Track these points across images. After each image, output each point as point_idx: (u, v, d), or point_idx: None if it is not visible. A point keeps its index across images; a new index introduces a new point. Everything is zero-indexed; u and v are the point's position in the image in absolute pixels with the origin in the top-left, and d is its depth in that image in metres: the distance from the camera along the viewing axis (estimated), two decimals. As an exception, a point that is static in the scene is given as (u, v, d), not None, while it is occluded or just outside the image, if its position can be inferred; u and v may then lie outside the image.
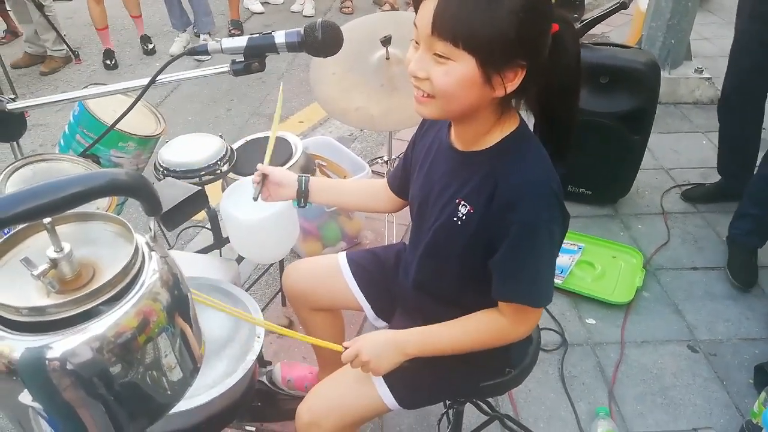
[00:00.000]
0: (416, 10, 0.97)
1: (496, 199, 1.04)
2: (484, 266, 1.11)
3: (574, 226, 2.60)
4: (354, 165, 2.40)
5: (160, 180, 1.63)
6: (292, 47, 1.12)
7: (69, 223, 0.72)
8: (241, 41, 1.12)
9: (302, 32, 1.11)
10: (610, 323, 2.17)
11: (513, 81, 0.96)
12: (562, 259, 2.38)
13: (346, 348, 1.17)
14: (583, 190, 2.72)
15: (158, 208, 0.67)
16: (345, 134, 3.41)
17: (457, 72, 0.94)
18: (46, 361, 0.61)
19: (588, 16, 2.50)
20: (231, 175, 1.79)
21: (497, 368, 1.33)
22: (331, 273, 1.48)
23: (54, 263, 0.65)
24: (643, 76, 2.44)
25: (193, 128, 1.81)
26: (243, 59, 1.13)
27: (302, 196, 1.39)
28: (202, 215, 1.90)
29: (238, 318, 1.31)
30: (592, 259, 2.41)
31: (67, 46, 4.46)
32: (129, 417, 0.71)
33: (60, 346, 0.62)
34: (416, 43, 0.99)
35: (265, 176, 1.37)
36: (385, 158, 2.60)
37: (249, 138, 2.03)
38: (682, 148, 3.18)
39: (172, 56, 1.12)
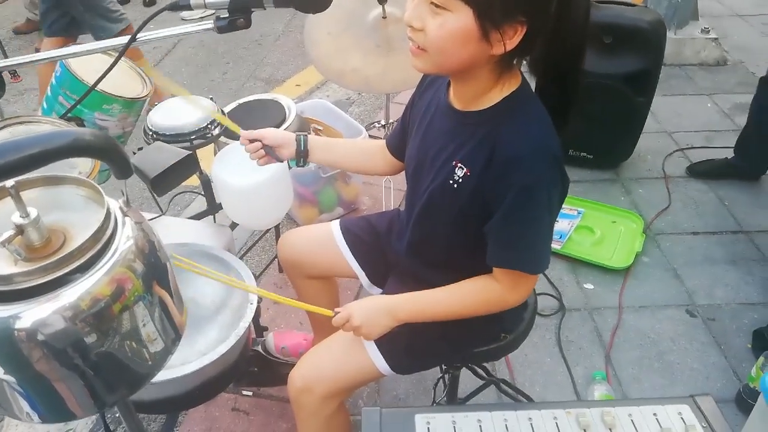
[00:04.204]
0: None
1: (495, 161, 1.01)
2: (480, 231, 1.08)
3: (574, 190, 2.57)
4: (351, 129, 2.35)
5: (149, 144, 1.59)
6: (279, 1, 1.06)
7: (37, 188, 0.69)
8: (225, -5, 1.06)
9: (289, -15, 1.05)
10: (608, 288, 2.16)
11: (512, 39, 0.92)
12: (561, 224, 2.36)
13: (336, 312, 1.16)
14: (584, 154, 2.67)
15: (128, 171, 0.63)
16: (342, 98, 3.35)
17: (452, 24, 0.91)
18: (15, 332, 0.59)
19: (592, -28, 2.41)
20: (223, 139, 1.74)
21: (492, 333, 1.31)
22: (325, 241, 1.46)
23: (20, 229, 0.62)
24: (648, 36, 2.37)
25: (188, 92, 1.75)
26: (228, 15, 1.07)
27: (302, 156, 1.35)
28: (196, 181, 1.87)
29: (229, 285, 1.29)
30: (591, 224, 2.38)
31: None
32: (108, 387, 0.69)
33: (29, 315, 0.59)
34: None
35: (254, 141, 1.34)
36: (383, 122, 2.55)
37: (241, 101, 1.98)
38: (686, 111, 3.12)
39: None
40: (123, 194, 0.67)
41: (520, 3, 0.88)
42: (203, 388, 1.32)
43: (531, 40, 0.93)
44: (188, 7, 1.07)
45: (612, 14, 2.42)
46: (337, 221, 1.48)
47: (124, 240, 0.66)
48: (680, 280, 2.18)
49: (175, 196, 1.97)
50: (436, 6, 0.91)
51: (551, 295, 2.12)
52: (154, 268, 0.69)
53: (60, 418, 0.70)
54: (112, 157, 0.61)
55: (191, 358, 1.22)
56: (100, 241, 0.64)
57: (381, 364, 1.22)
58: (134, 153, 1.53)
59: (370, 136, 2.57)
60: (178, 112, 1.68)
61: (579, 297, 2.13)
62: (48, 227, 0.65)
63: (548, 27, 0.94)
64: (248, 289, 1.26)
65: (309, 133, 1.39)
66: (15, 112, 2.61)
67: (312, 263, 1.50)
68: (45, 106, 1.53)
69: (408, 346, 1.23)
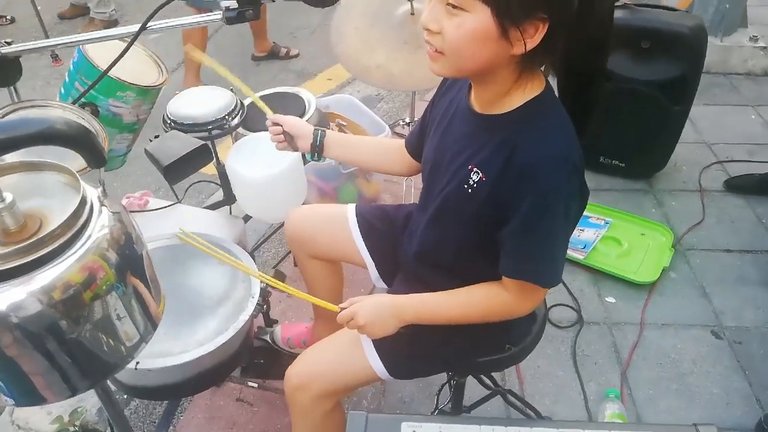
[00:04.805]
0: None
1: (512, 167, 0.97)
2: (492, 238, 1.05)
3: (604, 199, 2.48)
4: (375, 126, 2.33)
5: (167, 132, 1.60)
6: (286, -6, 1.05)
7: (16, 173, 0.69)
8: (233, -14, 1.06)
9: (297, -22, 1.04)
10: (630, 303, 2.08)
11: (533, 37, 0.88)
12: (587, 234, 2.28)
13: (342, 309, 1.14)
14: (616, 162, 2.58)
15: (101, 161, 0.63)
16: (372, 94, 3.33)
17: (470, 24, 0.87)
18: None
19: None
20: (241, 130, 1.74)
21: (496, 344, 1.27)
22: (337, 223, 1.42)
23: (-6, 214, 0.62)
24: (688, 42, 2.26)
25: (218, 82, 1.76)
26: (237, 6, 1.07)
27: (316, 150, 1.34)
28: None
29: (231, 266, 1.28)
30: (618, 235, 2.30)
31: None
32: (79, 373, 0.69)
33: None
34: None
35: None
36: (407, 120, 2.52)
37: (261, 93, 1.98)
38: (727, 122, 2.98)
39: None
40: (100, 184, 0.66)
41: None
42: (201, 378, 1.32)
43: (553, 38, 0.89)
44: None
45: (651, 18, 2.33)
46: (353, 205, 1.44)
47: (99, 228, 0.65)
48: (708, 299, 2.08)
49: (192, 184, 1.98)
50: (453, 6, 0.88)
51: (570, 307, 2.06)
52: (128, 259, 0.68)
53: (31, 402, 0.70)
54: (85, 146, 0.61)
55: (190, 347, 1.22)
56: (73, 228, 0.64)
57: (379, 367, 1.20)
58: (150, 140, 1.54)
59: (395, 134, 2.54)
60: (198, 101, 1.69)
61: (599, 310, 2.06)
62: (24, 212, 0.65)
63: (571, 24, 0.89)
64: (251, 273, 1.25)
65: (328, 128, 1.38)
66: (54, 95, 2.67)
67: (319, 242, 1.45)
68: (62, 91, 1.56)
69: (408, 351, 1.20)
